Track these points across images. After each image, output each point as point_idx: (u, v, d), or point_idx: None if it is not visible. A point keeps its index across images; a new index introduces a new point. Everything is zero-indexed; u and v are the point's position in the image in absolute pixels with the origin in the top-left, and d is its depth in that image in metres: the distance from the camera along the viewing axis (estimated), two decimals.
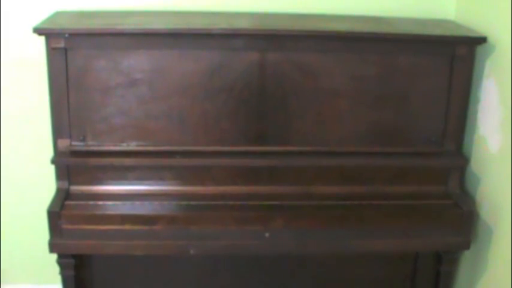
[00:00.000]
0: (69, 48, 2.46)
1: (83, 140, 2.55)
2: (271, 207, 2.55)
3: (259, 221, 2.51)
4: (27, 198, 2.93)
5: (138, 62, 2.51)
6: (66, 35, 2.44)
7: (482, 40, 2.54)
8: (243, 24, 2.58)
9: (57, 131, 2.56)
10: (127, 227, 2.47)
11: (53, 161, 2.55)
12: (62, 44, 2.45)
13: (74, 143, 2.55)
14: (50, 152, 2.59)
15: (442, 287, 2.76)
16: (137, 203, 2.53)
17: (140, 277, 2.84)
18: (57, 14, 2.66)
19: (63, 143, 2.55)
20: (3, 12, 2.70)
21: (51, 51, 2.47)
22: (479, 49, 2.61)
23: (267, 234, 2.51)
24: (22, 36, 2.66)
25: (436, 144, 2.65)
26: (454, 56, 2.56)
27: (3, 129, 2.85)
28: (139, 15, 2.68)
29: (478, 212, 2.67)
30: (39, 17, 2.60)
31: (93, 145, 2.56)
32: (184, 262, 2.81)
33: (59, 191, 2.56)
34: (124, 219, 2.47)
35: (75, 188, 2.57)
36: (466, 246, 2.61)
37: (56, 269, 2.60)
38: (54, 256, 2.56)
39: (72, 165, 2.57)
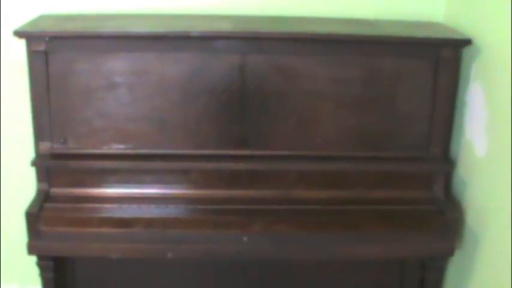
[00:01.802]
0: (50, 51, 2.46)
1: (64, 142, 2.55)
2: (250, 211, 2.53)
3: (238, 225, 2.48)
4: (9, 200, 2.93)
5: (118, 65, 2.50)
6: (47, 38, 2.44)
7: (467, 42, 2.49)
8: (223, 27, 2.56)
9: (38, 134, 2.56)
10: (104, 229, 2.46)
11: (33, 163, 2.56)
12: (42, 47, 2.45)
13: (54, 145, 2.55)
14: (32, 154, 2.60)
15: None
16: (115, 205, 2.53)
17: (122, 280, 2.83)
18: (41, 18, 2.66)
19: (44, 145, 2.55)
20: None
21: (31, 54, 2.47)
22: (466, 52, 2.57)
23: (245, 239, 2.48)
24: (6, 39, 2.67)
25: (421, 149, 2.60)
26: (439, 58, 2.51)
27: None
28: (122, 18, 2.68)
29: (464, 217, 2.61)
30: (25, 20, 2.61)
31: (73, 148, 2.56)
32: (166, 265, 2.79)
33: (38, 192, 2.56)
34: (101, 221, 2.47)
35: (55, 190, 2.58)
36: (451, 253, 2.56)
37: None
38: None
39: (53, 167, 2.57)
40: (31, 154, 2.60)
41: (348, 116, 2.57)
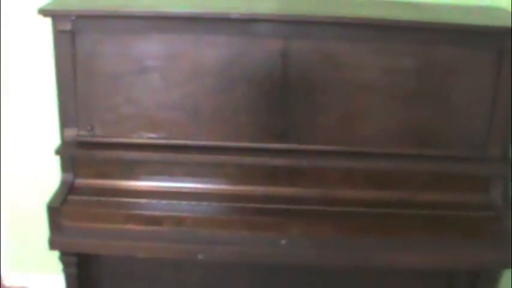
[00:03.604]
0: (77, 31, 2.29)
1: (91, 130, 2.38)
2: (289, 211, 2.34)
3: (276, 227, 2.30)
4: (33, 190, 2.78)
5: (150, 48, 2.32)
6: (73, 17, 2.26)
7: None
8: (265, 9, 2.33)
9: (64, 120, 2.40)
10: (130, 226, 2.30)
11: (58, 152, 2.39)
12: (68, 27, 2.27)
13: (81, 132, 2.38)
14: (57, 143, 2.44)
15: None
16: (143, 200, 2.36)
17: (150, 277, 2.67)
18: None
19: (70, 132, 2.39)
20: None
21: (57, 34, 2.30)
22: None
23: (283, 242, 2.29)
24: (30, 18, 2.46)
25: (479, 148, 2.38)
26: (502, 49, 2.27)
27: (9, 116, 2.72)
28: None
29: None
30: None
31: (100, 136, 2.38)
32: (195, 265, 2.62)
33: (62, 184, 2.41)
34: (128, 218, 2.30)
35: (80, 182, 2.42)
36: (507, 264, 2.32)
37: None
38: None
39: (78, 156, 2.40)
40: (57, 143, 2.44)
41: (398, 110, 2.36)
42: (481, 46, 2.30)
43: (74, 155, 2.40)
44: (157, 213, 2.31)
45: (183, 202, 2.36)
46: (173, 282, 2.69)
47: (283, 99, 2.35)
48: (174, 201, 2.36)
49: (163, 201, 2.36)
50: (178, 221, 2.30)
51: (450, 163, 2.39)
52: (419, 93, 2.35)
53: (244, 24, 2.28)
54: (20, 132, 2.75)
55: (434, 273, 2.62)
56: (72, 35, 2.29)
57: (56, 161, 2.49)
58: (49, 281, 2.98)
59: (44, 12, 2.26)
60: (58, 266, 2.50)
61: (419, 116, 2.36)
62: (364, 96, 2.35)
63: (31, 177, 2.79)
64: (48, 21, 2.30)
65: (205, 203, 2.36)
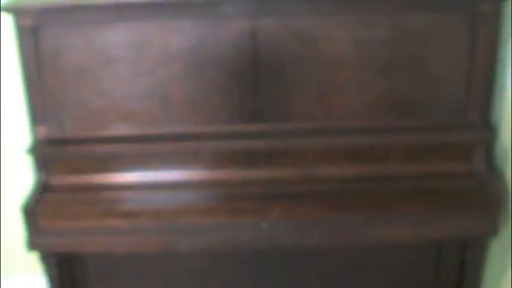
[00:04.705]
0: (39, 27, 2.23)
1: (61, 126, 2.33)
2: (268, 194, 2.28)
3: (255, 211, 2.25)
4: (7, 191, 2.72)
5: (115, 38, 2.26)
6: (34, 12, 2.20)
7: None
8: None
9: (33, 118, 2.34)
10: (108, 221, 2.25)
11: (29, 151, 2.34)
12: (30, 22, 2.22)
13: (51, 130, 2.33)
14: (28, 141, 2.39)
15: (470, 276, 2.46)
16: (119, 194, 2.31)
17: (137, 273, 2.62)
18: None
19: (40, 130, 2.34)
20: None
21: (19, 31, 2.24)
22: (507, 5, 2.24)
23: (264, 226, 2.25)
24: None
25: (458, 116, 2.32)
26: (477, 13, 2.21)
27: None
28: None
29: (508, 192, 2.33)
30: None
31: (71, 132, 2.34)
32: (181, 257, 2.56)
33: (36, 183, 2.35)
34: (105, 213, 2.25)
35: (54, 180, 2.35)
36: (494, 232, 2.28)
37: None
38: None
39: (50, 154, 2.34)
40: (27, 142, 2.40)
41: (374, 82, 2.30)
42: (456, 11, 2.24)
43: (46, 153, 2.34)
44: (134, 206, 2.27)
45: (160, 193, 2.31)
46: (159, 280, 2.64)
47: (255, 79, 2.30)
48: (150, 193, 2.31)
49: (140, 193, 2.31)
50: (157, 213, 2.25)
51: (430, 133, 2.34)
52: (395, 64, 2.29)
53: (208, 6, 2.22)
54: None
55: (422, 246, 2.56)
56: (34, 31, 2.23)
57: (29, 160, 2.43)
58: (31, 282, 2.91)
59: (4, 9, 2.20)
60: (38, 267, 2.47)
61: (396, 87, 2.31)
62: (338, 70, 2.29)
63: (4, 178, 2.72)
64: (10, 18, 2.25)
65: (181, 193, 2.31)
